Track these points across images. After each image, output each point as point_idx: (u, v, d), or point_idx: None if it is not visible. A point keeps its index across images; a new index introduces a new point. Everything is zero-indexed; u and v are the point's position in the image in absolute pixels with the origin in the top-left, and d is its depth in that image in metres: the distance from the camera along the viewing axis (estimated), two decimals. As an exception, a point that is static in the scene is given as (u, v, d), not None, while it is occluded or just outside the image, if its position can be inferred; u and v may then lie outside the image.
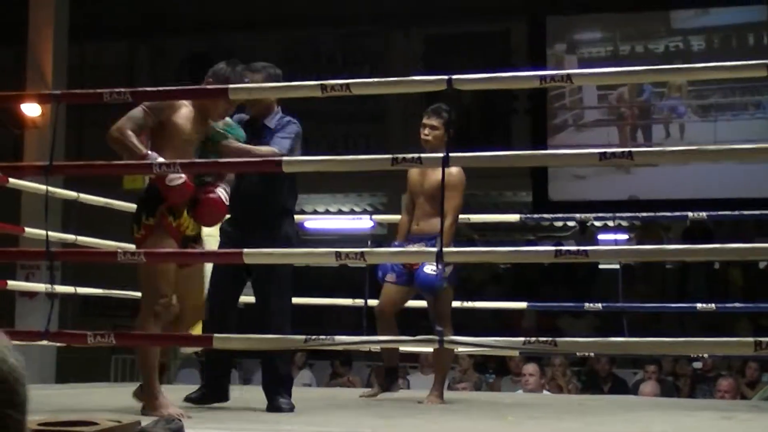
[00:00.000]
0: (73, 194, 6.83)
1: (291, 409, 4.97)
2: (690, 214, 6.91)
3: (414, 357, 9.90)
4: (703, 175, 11.68)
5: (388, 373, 6.25)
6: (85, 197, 6.86)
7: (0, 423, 1.36)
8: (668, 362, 9.82)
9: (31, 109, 10.91)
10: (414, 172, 6.00)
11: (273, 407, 4.98)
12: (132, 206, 7.52)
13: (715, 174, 11.60)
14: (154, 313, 4.49)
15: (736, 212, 7.29)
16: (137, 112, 4.46)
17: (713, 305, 6.89)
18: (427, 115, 5.92)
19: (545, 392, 8.62)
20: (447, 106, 5.79)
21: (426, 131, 5.88)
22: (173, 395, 4.89)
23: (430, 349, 6.86)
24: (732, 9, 12.53)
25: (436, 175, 5.67)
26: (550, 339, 3.70)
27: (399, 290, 5.98)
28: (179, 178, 4.37)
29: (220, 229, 5.22)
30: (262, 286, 5.18)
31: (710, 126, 12.31)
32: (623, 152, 3.77)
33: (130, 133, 4.42)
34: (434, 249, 4.03)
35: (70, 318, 12.71)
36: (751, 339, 3.60)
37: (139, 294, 7.71)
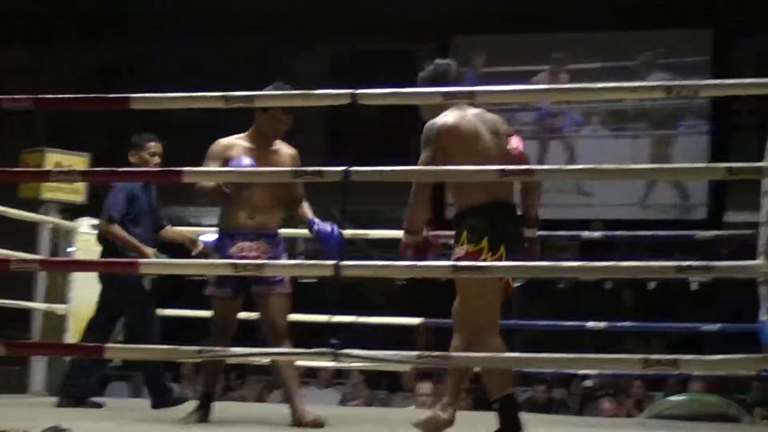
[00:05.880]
0: (-35, 202, 6.71)
1: None
2: (584, 233, 7.04)
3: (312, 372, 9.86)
4: (600, 196, 11.88)
5: (207, 397, 5.39)
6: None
7: None
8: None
9: None
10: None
11: None
12: (28, 214, 7.45)
13: (612, 194, 11.81)
14: None
15: (630, 233, 7.43)
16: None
17: (603, 324, 7.06)
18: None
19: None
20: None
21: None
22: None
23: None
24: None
25: (280, 160, 5.29)
26: (443, 353, 3.75)
27: (237, 304, 5.35)
28: None
29: None
30: None
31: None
32: (523, 169, 3.83)
33: None
34: (332, 262, 4.02)
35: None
36: (639, 356, 3.67)
37: (28, 304, 7.67)
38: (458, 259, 4.32)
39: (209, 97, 4.17)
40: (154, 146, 6.32)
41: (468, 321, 4.39)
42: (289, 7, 13.02)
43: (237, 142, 5.27)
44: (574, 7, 12.55)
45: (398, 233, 8.12)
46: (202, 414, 5.30)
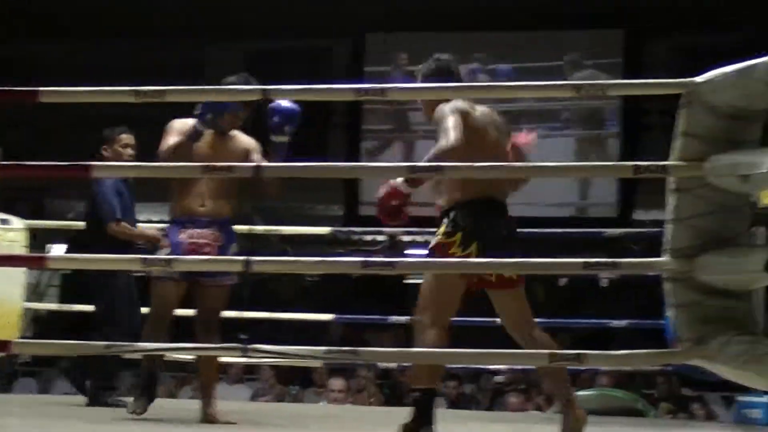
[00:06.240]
0: None
1: None
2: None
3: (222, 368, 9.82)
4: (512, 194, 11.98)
5: (150, 379, 5.43)
6: None
7: None
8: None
9: None
10: (200, 145, 5.22)
11: None
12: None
13: (523, 192, 11.91)
14: None
15: (540, 230, 7.51)
16: None
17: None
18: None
19: (348, 404, 8.71)
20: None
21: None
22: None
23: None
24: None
25: (234, 146, 5.31)
26: (352, 348, 3.77)
27: (180, 287, 5.23)
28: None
29: None
30: None
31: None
32: (431, 166, 3.86)
33: None
34: (242, 258, 4.01)
35: None
36: (546, 351, 3.71)
37: None
38: (431, 249, 4.34)
39: (120, 92, 4.13)
40: (127, 138, 6.18)
41: (422, 309, 4.37)
42: (203, 5, 12.93)
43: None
44: (491, 6, 12.63)
45: (310, 229, 8.25)
46: (148, 396, 5.33)
